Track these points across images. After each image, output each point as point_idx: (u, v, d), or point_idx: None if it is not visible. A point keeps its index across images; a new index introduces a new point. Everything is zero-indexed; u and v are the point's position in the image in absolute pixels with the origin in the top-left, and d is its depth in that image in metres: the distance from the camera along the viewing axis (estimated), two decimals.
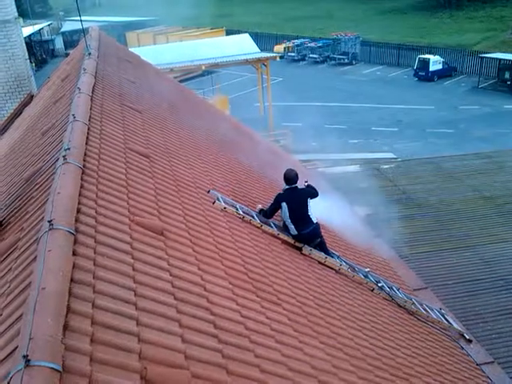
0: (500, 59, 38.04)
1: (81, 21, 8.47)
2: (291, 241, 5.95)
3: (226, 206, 5.56)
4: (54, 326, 2.26)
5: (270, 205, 6.20)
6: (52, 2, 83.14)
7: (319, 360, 3.80)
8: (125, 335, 2.58)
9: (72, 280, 2.66)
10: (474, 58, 40.54)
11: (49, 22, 59.36)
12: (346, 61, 46.79)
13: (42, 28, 55.03)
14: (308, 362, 3.65)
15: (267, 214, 6.14)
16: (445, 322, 6.72)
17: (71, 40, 53.18)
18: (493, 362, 6.32)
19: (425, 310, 6.65)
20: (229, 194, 6.19)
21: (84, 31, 9.62)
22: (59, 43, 55.93)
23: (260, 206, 6.27)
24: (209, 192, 5.69)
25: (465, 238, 9.77)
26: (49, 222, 2.98)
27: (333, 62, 47.44)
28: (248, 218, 5.69)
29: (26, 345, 2.12)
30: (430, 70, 39.33)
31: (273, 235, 5.80)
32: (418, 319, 6.28)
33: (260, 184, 7.84)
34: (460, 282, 8.38)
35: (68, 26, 56.22)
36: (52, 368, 2.05)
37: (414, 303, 6.56)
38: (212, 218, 5.01)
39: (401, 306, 6.27)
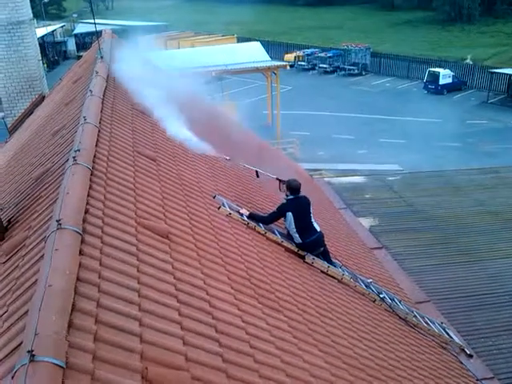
0: (510, 75, 38.01)
1: (95, 24, 8.58)
2: (294, 249, 5.98)
3: (231, 211, 5.61)
4: (58, 323, 2.31)
5: (271, 212, 6.20)
6: (66, 4, 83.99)
7: (318, 368, 3.82)
8: (127, 335, 2.63)
9: (78, 279, 2.71)
10: (484, 73, 40.52)
11: (62, 24, 59.92)
12: (356, 71, 46.90)
13: (55, 29, 55.53)
14: (307, 370, 3.67)
15: (267, 221, 6.08)
16: (446, 335, 6.72)
17: (83, 42, 53.62)
18: (493, 377, 6.30)
19: (426, 323, 6.64)
20: (234, 199, 6.23)
21: (97, 34, 9.74)
22: (71, 45, 56.42)
23: (245, 212, 5.89)
24: (214, 197, 5.74)
25: (470, 252, 9.73)
26: (57, 221, 3.04)
27: (343, 72, 47.55)
28: (252, 224, 5.73)
29: (31, 340, 2.17)
30: (440, 83, 39.36)
31: (276, 242, 5.83)
32: (419, 332, 6.28)
33: (264, 190, 7.87)
34: (463, 296, 8.34)
35: (80, 28, 56.74)
36: (56, 364, 2.10)
37: (415, 316, 6.56)
38: (217, 224, 5.05)
39: (402, 318, 6.28)
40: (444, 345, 6.44)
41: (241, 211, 5.86)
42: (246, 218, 5.77)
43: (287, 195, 6.13)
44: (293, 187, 6.08)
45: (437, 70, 40.44)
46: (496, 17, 59.87)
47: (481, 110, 35.60)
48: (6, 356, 2.44)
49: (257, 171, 6.69)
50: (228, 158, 6.93)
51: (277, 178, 6.35)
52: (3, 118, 12.00)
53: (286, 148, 27.04)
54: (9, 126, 11.87)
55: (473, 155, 25.99)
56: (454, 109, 35.70)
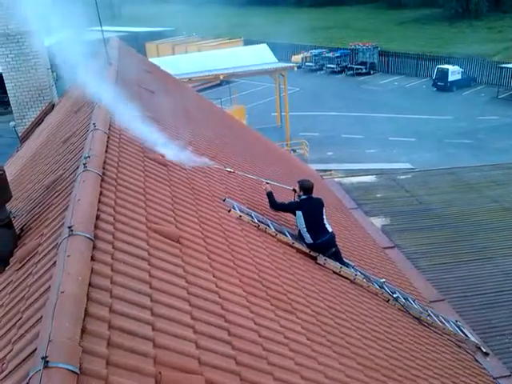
0: None
1: (102, 31, 8.62)
2: (306, 250, 5.96)
3: (242, 214, 5.61)
4: (72, 329, 2.32)
5: (283, 203, 6.28)
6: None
7: (333, 369, 3.80)
8: (140, 340, 2.64)
9: (90, 285, 2.73)
10: (494, 68, 40.19)
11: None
12: (364, 71, 46.74)
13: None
14: (321, 371, 3.66)
15: (274, 207, 6.27)
16: (461, 334, 6.65)
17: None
18: (510, 375, 6.22)
19: (441, 321, 6.59)
20: (244, 202, 6.23)
21: (105, 41, 9.79)
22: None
23: (269, 188, 6.34)
24: (224, 200, 5.75)
25: (483, 249, 9.63)
26: (69, 228, 3.06)
27: (350, 72, 47.43)
28: (263, 226, 5.72)
29: (45, 347, 2.18)
30: (449, 80, 39.09)
31: (288, 244, 5.82)
32: (434, 331, 6.23)
33: (274, 192, 7.86)
34: (478, 294, 8.26)
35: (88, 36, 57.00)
36: (70, 370, 2.11)
37: (429, 315, 6.51)
38: (227, 226, 5.05)
39: (416, 318, 6.23)
40: (459, 343, 6.38)
41: (263, 186, 6.39)
42: (265, 193, 6.31)
43: (300, 195, 6.15)
44: (305, 187, 6.12)
45: (445, 66, 40.18)
46: (504, 11, 59.35)
47: (491, 106, 35.29)
48: (21, 362, 2.46)
49: (267, 182, 6.64)
50: (229, 169, 6.68)
51: (293, 189, 6.36)
52: (14, 127, 12.11)
53: (296, 149, 27.04)
54: (20, 134, 11.98)
55: (485, 152, 25.76)
56: (464, 105, 35.46)
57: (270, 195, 6.29)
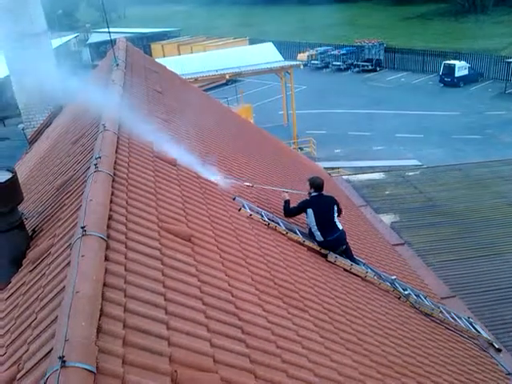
0: None
1: (109, 32, 8.66)
2: (317, 248, 5.96)
3: (252, 212, 5.61)
4: (88, 328, 2.34)
5: (292, 207, 6.26)
6: (79, 14, 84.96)
7: (346, 367, 3.80)
8: (155, 339, 2.65)
9: (104, 284, 2.74)
10: (501, 63, 39.93)
11: (76, 34, 60.60)
12: (370, 67, 46.62)
13: (70, 40, 56.16)
14: (335, 369, 3.66)
15: (287, 213, 6.26)
16: (473, 330, 6.63)
17: (98, 51, 54.19)
18: None
19: (453, 318, 6.56)
20: (254, 200, 6.23)
21: (112, 43, 9.83)
22: (86, 55, 57.03)
23: (287, 196, 6.37)
24: (234, 199, 5.75)
25: (493, 245, 9.59)
26: (82, 228, 3.07)
27: (357, 69, 47.32)
28: (273, 224, 5.72)
29: (61, 346, 2.19)
30: (456, 75, 38.90)
31: (298, 242, 5.81)
32: (446, 328, 6.21)
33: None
34: (489, 290, 8.22)
35: (94, 37, 57.38)
36: (87, 369, 2.12)
37: (441, 311, 6.49)
38: (238, 225, 5.05)
39: (428, 315, 6.21)
40: (472, 340, 6.36)
41: (281, 195, 6.48)
42: (283, 201, 6.32)
43: (310, 193, 6.15)
44: (316, 184, 6.11)
45: (452, 62, 39.98)
46: (510, 6, 58.91)
47: (499, 101, 35.07)
48: (37, 362, 2.48)
49: (286, 191, 6.65)
50: (248, 183, 6.60)
51: (308, 193, 6.35)
52: (23, 129, 12.18)
53: (303, 147, 27.01)
54: (28, 136, 12.04)
55: (493, 147, 25.61)
56: (471, 101, 35.28)
57: (286, 203, 6.29)
